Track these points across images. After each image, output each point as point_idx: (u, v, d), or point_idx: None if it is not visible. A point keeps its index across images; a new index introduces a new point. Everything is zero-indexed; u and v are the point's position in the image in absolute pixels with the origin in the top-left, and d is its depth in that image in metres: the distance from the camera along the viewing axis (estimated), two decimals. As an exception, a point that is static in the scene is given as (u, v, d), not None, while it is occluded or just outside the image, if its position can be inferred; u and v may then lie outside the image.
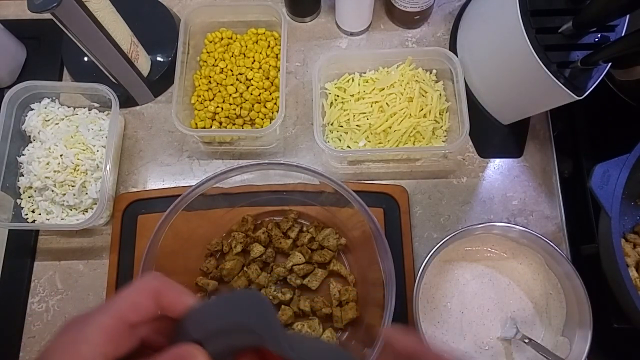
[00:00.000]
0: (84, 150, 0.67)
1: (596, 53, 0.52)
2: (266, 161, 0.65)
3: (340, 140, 0.71)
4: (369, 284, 0.63)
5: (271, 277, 0.64)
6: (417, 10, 0.74)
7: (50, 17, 0.55)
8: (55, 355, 0.27)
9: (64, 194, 0.65)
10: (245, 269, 0.65)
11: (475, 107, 0.69)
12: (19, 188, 0.68)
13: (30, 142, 0.70)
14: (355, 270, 0.66)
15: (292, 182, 0.65)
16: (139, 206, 0.69)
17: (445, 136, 0.71)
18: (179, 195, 0.57)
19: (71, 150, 0.66)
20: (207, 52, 0.75)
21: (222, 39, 0.75)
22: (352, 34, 0.78)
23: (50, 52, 0.77)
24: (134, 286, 0.29)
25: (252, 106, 0.71)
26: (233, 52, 0.73)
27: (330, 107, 0.72)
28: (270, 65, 0.72)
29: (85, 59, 0.73)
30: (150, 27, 0.75)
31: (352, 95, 0.71)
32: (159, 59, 0.75)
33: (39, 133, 0.68)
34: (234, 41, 0.75)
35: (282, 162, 0.59)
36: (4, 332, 0.66)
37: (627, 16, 0.54)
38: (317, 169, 0.58)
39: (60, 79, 0.77)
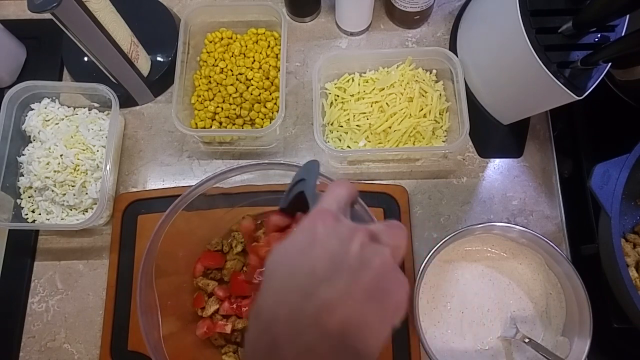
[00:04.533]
0: (84, 150, 0.67)
1: (596, 53, 0.52)
2: (266, 161, 0.65)
3: (340, 140, 0.71)
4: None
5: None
6: (417, 10, 0.73)
7: (50, 17, 0.55)
8: None
9: (64, 194, 0.65)
10: (245, 269, 0.65)
11: (475, 107, 0.69)
12: (19, 188, 0.68)
13: (30, 142, 0.70)
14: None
15: (292, 182, 0.65)
16: (139, 206, 0.69)
17: (445, 136, 0.71)
18: (179, 195, 0.57)
19: (71, 150, 0.66)
20: (207, 52, 0.75)
21: (222, 39, 0.75)
22: (352, 34, 0.78)
23: (50, 52, 0.77)
24: None
25: (252, 106, 0.71)
26: (233, 52, 0.73)
27: (330, 107, 0.72)
28: (270, 65, 0.72)
29: (85, 59, 0.73)
30: (150, 27, 0.74)
31: (352, 95, 0.71)
32: (159, 59, 0.75)
33: (39, 133, 0.68)
34: (234, 41, 0.74)
35: (282, 162, 0.59)
36: (4, 332, 0.66)
37: (627, 16, 0.54)
38: (317, 169, 0.58)
39: (60, 79, 0.77)
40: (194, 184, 0.58)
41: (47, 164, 0.65)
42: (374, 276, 0.29)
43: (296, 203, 0.36)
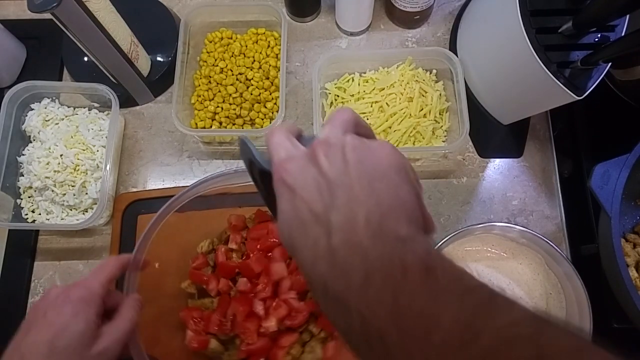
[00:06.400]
0: (84, 150, 0.67)
1: (596, 53, 0.52)
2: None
3: (340, 140, 0.71)
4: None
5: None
6: (417, 10, 0.73)
7: (50, 17, 0.55)
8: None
9: (64, 194, 0.65)
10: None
11: (475, 107, 0.69)
12: (19, 188, 0.68)
13: (30, 142, 0.70)
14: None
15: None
16: (139, 206, 0.69)
17: (445, 136, 0.71)
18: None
19: (71, 150, 0.66)
20: (207, 52, 0.75)
21: (222, 38, 0.75)
22: (352, 34, 0.78)
23: (50, 52, 0.77)
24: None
25: (252, 106, 0.71)
26: (233, 52, 0.73)
27: (330, 107, 0.72)
28: (270, 65, 0.72)
29: (85, 59, 0.73)
30: (150, 27, 0.74)
31: (352, 95, 0.71)
32: (159, 59, 0.75)
33: (39, 133, 0.68)
34: (234, 41, 0.75)
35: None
36: (4, 332, 0.65)
37: (627, 16, 0.54)
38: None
39: (60, 79, 0.77)
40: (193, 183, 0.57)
41: (47, 164, 0.65)
42: (355, 167, 0.29)
43: (265, 180, 0.36)
